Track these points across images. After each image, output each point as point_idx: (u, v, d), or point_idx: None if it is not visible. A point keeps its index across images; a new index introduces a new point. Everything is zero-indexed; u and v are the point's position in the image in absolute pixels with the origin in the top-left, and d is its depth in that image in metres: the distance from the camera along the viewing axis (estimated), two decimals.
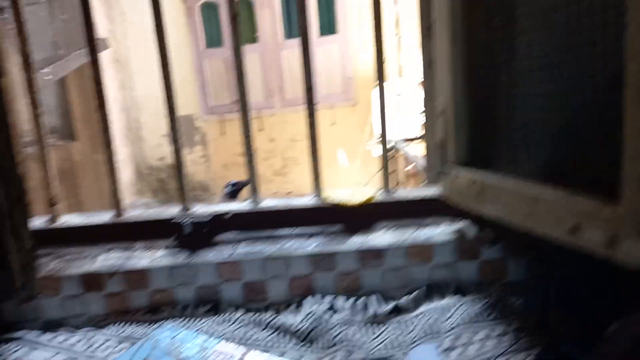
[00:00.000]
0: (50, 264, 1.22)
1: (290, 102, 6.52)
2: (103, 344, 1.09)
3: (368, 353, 1.01)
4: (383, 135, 1.31)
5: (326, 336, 1.05)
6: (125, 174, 6.32)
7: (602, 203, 0.72)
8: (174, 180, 1.61)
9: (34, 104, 1.25)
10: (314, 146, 1.28)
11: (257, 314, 1.14)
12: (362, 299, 1.14)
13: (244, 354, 0.98)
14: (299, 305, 1.14)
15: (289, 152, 6.72)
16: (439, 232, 1.18)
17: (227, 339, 1.08)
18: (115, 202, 1.31)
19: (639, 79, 0.64)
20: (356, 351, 1.01)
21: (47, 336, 1.12)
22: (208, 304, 1.17)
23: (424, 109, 1.40)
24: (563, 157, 0.85)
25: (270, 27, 6.39)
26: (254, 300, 1.18)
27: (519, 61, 0.91)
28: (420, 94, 1.41)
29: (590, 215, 0.73)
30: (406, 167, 4.79)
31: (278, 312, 1.14)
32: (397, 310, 1.11)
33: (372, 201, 1.24)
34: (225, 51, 6.33)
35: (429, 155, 1.46)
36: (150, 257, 1.22)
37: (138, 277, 1.18)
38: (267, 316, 1.13)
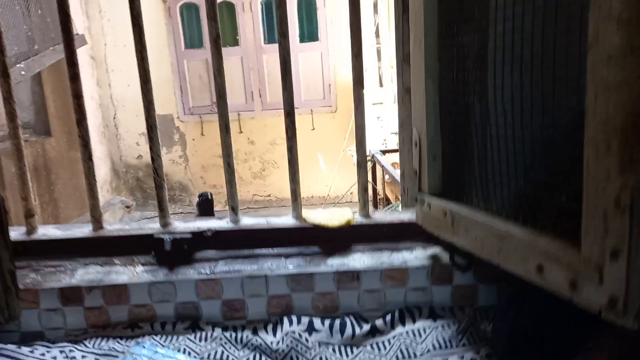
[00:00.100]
0: (28, 277, 1.22)
1: (270, 106, 6.53)
2: (82, 358, 1.09)
3: None
4: (362, 160, 1.32)
5: (304, 357, 1.09)
6: (102, 171, 6.23)
7: (565, 246, 0.73)
8: (151, 180, 1.58)
9: (8, 99, 1.23)
10: (293, 168, 1.29)
11: (235, 332, 1.16)
12: (339, 319, 1.16)
13: None
14: (277, 324, 1.17)
15: (268, 155, 6.73)
16: (414, 256, 1.21)
17: (205, 357, 1.10)
18: (94, 218, 1.31)
19: (597, 139, 0.68)
20: None
21: (25, 349, 1.12)
22: (187, 321, 1.18)
23: (398, 134, 1.43)
24: (532, 194, 0.86)
25: (251, 31, 6.40)
26: (233, 318, 1.19)
27: (491, 101, 0.92)
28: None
29: (553, 256, 0.75)
30: (385, 175, 4.83)
31: (256, 330, 1.16)
32: (372, 332, 1.14)
33: (351, 224, 1.27)
34: (205, 52, 6.30)
35: (404, 179, 1.49)
36: (130, 272, 1.23)
37: (117, 292, 1.19)
38: (245, 335, 1.15)
